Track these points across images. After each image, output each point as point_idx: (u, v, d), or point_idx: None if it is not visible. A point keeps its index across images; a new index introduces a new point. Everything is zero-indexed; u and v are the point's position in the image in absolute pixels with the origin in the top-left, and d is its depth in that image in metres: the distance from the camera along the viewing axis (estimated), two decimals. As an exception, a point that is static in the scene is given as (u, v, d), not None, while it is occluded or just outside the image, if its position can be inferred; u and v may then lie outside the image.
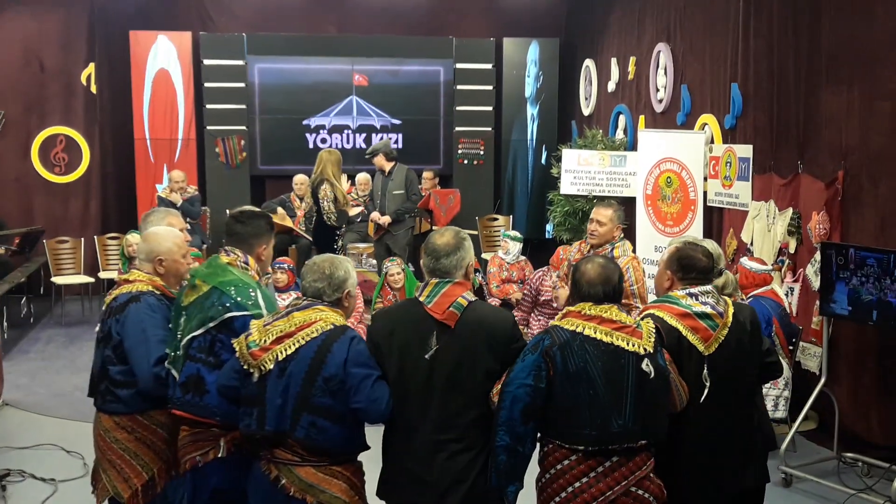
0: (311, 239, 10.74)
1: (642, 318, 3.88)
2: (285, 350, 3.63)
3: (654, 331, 3.75)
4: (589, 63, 11.98)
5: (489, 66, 12.75)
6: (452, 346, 3.64)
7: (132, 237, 9.23)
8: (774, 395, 6.44)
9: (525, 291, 7.58)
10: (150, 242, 4.29)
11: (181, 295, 4.10)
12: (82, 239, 11.50)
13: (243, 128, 12.27)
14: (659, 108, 9.81)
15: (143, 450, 4.19)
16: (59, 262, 11.27)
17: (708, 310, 3.95)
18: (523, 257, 9.20)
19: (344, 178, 10.22)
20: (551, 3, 13.01)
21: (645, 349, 3.65)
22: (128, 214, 12.12)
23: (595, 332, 3.63)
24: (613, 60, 11.09)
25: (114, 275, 10.14)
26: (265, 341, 3.67)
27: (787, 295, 7.09)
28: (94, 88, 11.90)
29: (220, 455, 3.90)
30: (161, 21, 12.14)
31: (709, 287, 4.07)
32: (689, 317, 3.93)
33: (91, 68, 11.86)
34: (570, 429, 3.61)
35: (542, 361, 3.60)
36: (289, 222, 10.96)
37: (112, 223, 12.09)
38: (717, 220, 8.56)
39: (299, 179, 11.20)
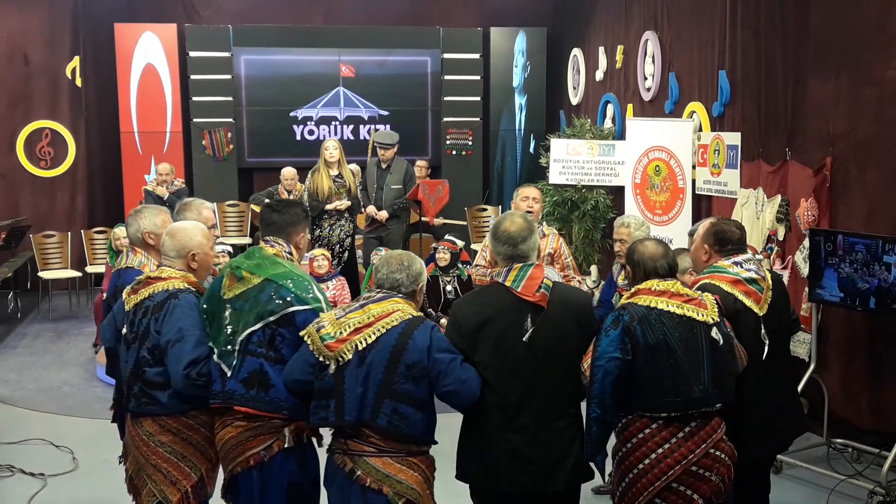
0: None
1: (699, 290, 4.18)
2: (365, 339, 3.69)
3: (715, 302, 4.03)
4: (577, 52, 11.96)
5: (477, 55, 12.72)
6: (546, 326, 3.78)
7: (119, 231, 9.21)
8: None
9: None
10: (181, 238, 4.15)
11: (219, 286, 4.01)
12: (69, 233, 11.43)
13: (230, 120, 12.22)
14: (647, 97, 9.80)
15: (190, 450, 4.07)
16: (45, 256, 11.20)
17: (753, 275, 4.34)
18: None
19: (352, 167, 10.02)
20: (538, -8, 12.99)
21: (713, 318, 3.93)
22: (114, 208, 12.06)
23: (668, 306, 3.89)
24: (601, 49, 11.07)
25: (102, 269, 10.07)
26: (341, 333, 3.71)
27: (776, 282, 7.08)
28: (79, 82, 11.82)
29: (286, 445, 3.86)
30: (146, 13, 12.06)
31: (749, 255, 4.46)
32: (741, 283, 4.28)
33: (76, 62, 11.77)
34: (653, 398, 3.84)
35: (625, 336, 3.81)
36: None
37: (99, 217, 12.02)
38: (706, 208, 8.55)
39: (289, 174, 11.13)
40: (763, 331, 4.29)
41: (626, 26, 10.41)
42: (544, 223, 6.33)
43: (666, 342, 3.83)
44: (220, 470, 4.08)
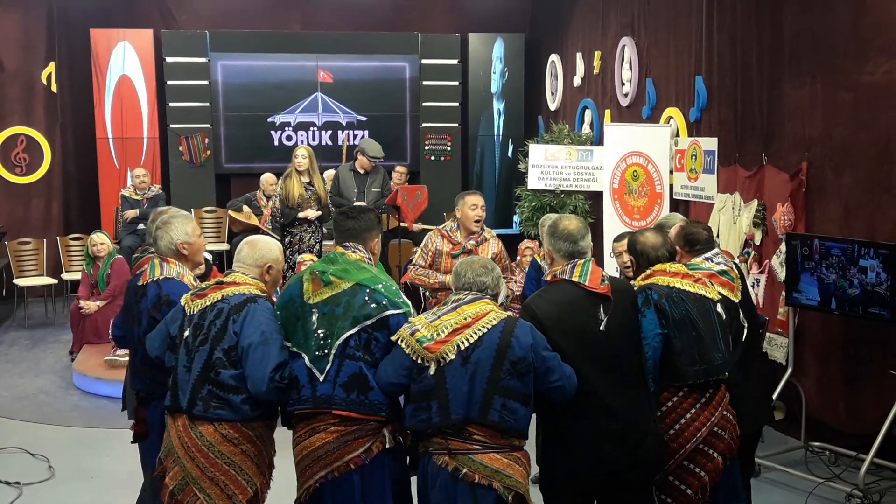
0: (278, 238, 10.66)
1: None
2: (467, 339, 3.79)
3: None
4: (554, 58, 12.00)
5: (455, 61, 12.74)
6: (615, 313, 4.04)
7: (97, 237, 9.17)
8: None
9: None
10: (260, 249, 4.18)
11: (298, 291, 4.04)
12: (45, 240, 11.35)
13: (207, 126, 12.17)
14: (624, 102, 9.84)
15: (248, 463, 3.97)
16: (21, 263, 11.11)
17: (724, 267, 4.70)
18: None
19: (326, 174, 9.99)
20: (516, -2, 13.04)
21: (716, 295, 4.37)
22: (91, 215, 11.97)
23: (683, 285, 4.28)
24: (579, 55, 11.11)
25: (78, 276, 10.00)
26: (439, 335, 3.80)
27: (753, 286, 7.13)
28: (54, 88, 11.75)
29: (387, 446, 3.91)
30: (122, 19, 12.00)
31: (717, 250, 4.83)
32: (715, 276, 4.58)
33: (51, 67, 11.70)
34: (682, 368, 4.19)
35: (658, 312, 4.18)
36: (255, 220, 10.88)
37: (75, 224, 11.94)
38: (684, 213, 8.57)
39: (269, 180, 11.09)
40: (742, 315, 4.66)
41: (604, 32, 10.45)
42: (485, 228, 6.73)
43: (688, 316, 4.21)
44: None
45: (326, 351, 3.91)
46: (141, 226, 10.49)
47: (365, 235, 4.20)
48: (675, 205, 8.68)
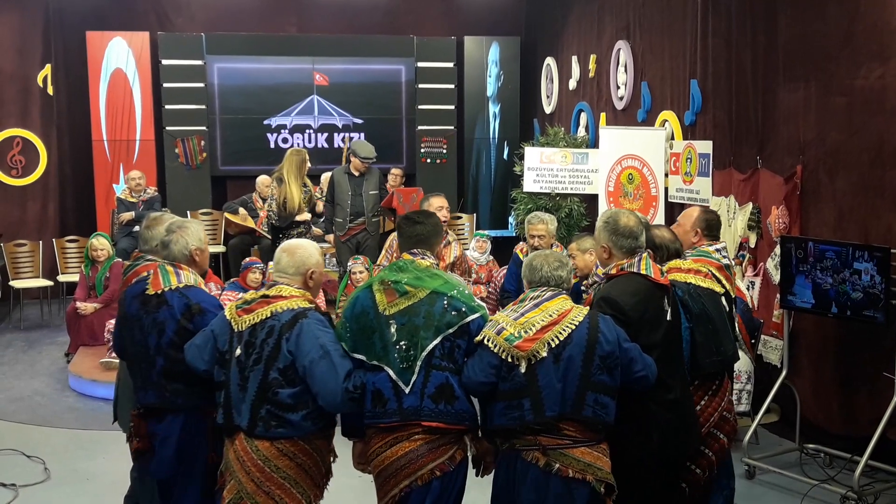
0: (269, 239, 10.66)
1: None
2: (557, 336, 3.84)
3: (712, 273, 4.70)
4: (550, 61, 12.02)
5: (451, 64, 12.76)
6: (672, 306, 4.22)
7: (97, 241, 9.17)
8: (737, 389, 6.50)
9: (491, 290, 7.64)
10: (300, 256, 4.07)
11: (370, 302, 3.98)
12: (40, 242, 11.34)
13: (203, 128, 12.17)
14: (620, 106, 9.87)
15: (303, 476, 3.93)
16: (16, 265, 11.10)
17: (727, 262, 4.92)
18: (491, 257, 9.22)
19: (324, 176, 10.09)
20: (511, 1, 13.05)
21: (721, 289, 4.61)
22: (87, 217, 11.97)
23: (696, 280, 4.55)
24: (574, 58, 11.14)
25: (74, 278, 9.99)
26: (527, 332, 3.84)
27: (747, 289, 7.16)
28: (50, 90, 11.74)
29: (467, 454, 3.98)
30: (118, 21, 11.99)
31: (724, 243, 5.10)
32: (723, 269, 4.79)
33: (47, 70, 11.69)
34: (701, 359, 4.45)
35: (683, 307, 4.40)
36: (251, 223, 10.89)
37: (70, 226, 11.93)
38: (679, 216, 8.60)
39: (265, 181, 11.11)
40: (734, 308, 4.92)
41: (599, 36, 10.48)
42: (450, 232, 6.77)
43: (705, 311, 4.47)
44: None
45: (411, 363, 3.89)
46: (136, 228, 10.48)
47: (433, 241, 4.18)
48: (671, 208, 8.71)
